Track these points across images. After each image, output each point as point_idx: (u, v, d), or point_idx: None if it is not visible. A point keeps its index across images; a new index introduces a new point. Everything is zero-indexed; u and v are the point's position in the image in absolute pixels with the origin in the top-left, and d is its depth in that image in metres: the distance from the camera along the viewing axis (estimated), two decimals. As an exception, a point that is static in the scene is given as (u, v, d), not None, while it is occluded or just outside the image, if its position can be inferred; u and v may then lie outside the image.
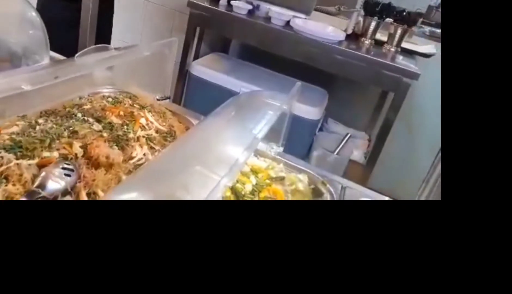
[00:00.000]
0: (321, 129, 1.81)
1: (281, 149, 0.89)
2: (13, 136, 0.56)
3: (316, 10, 1.77)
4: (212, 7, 1.65)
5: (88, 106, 0.78)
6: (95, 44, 1.04)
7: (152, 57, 0.88)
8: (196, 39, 1.73)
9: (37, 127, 0.62)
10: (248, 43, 1.80)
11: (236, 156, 0.50)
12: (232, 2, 1.63)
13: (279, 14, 1.57)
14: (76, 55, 0.65)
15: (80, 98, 0.83)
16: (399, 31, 1.74)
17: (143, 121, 0.79)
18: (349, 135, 1.68)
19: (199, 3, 1.65)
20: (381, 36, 1.81)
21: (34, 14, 0.95)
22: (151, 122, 0.80)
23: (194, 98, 1.66)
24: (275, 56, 1.88)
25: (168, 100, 0.93)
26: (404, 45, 1.74)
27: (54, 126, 0.63)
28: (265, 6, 1.63)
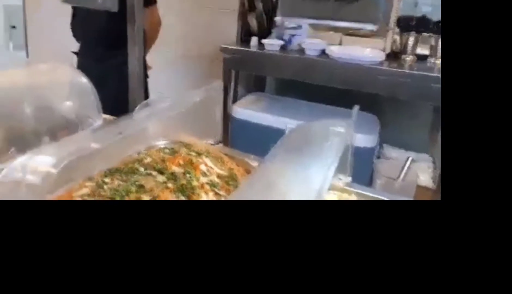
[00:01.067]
0: (378, 157, 1.74)
1: (349, 179, 0.84)
2: (85, 197, 0.56)
3: (348, 34, 1.77)
4: (244, 48, 1.70)
5: (148, 160, 0.78)
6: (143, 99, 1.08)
7: (200, 103, 0.89)
8: (232, 83, 1.77)
9: (105, 186, 0.62)
10: (284, 78, 1.82)
11: (312, 195, 0.46)
12: (263, 41, 1.68)
13: (313, 45, 1.58)
14: (135, 109, 0.66)
15: (138, 154, 0.84)
16: (440, 42, 1.69)
17: (203, 167, 0.78)
18: (410, 158, 1.59)
19: (231, 47, 1.71)
20: (421, 50, 1.76)
21: (84, 80, 1.01)
22: (211, 168, 0.78)
23: (240, 140, 1.67)
24: (314, 87, 1.88)
25: (221, 144, 0.93)
26: (449, 54, 1.68)
27: (121, 183, 0.63)
28: (297, 38, 1.66)
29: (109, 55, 1.40)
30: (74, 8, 1.43)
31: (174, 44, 2.00)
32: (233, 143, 1.71)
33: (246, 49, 1.70)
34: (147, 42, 1.53)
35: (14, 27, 3.23)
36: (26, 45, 2.64)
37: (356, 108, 0.82)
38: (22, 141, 0.87)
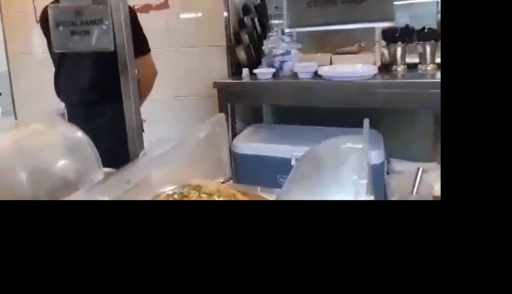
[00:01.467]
0: (387, 172, 1.70)
1: (372, 197, 0.79)
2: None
3: (336, 53, 1.79)
4: (236, 81, 1.70)
5: (157, 209, 0.73)
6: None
7: (205, 139, 0.85)
8: (229, 118, 1.76)
9: (118, 245, 0.56)
10: (281, 105, 1.81)
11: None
12: (255, 71, 1.68)
13: (304, 67, 1.59)
14: (140, 154, 0.63)
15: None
16: (428, 48, 1.70)
17: (218, 208, 0.73)
18: (421, 169, 1.55)
19: (224, 81, 1.71)
20: (410, 59, 1.78)
21: (80, 134, 0.98)
22: (227, 208, 0.74)
23: (244, 175, 1.63)
24: (311, 110, 1.87)
25: (231, 181, 0.89)
26: (438, 60, 1.70)
27: (135, 238, 0.58)
28: (288, 64, 1.66)
29: (99, 109, 1.38)
30: (59, 60, 1.42)
31: (165, 87, 2.00)
32: (238, 178, 1.67)
33: (239, 81, 1.70)
34: (142, 93, 1.51)
35: (0, 94, 3.25)
36: (14, 111, 2.63)
37: (366, 121, 0.79)
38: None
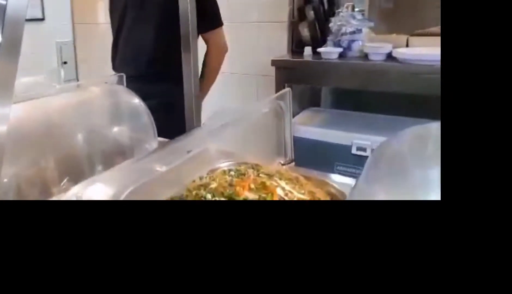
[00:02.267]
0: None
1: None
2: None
3: (414, 35, 1.62)
4: (298, 59, 1.61)
5: (214, 185, 0.68)
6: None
7: (266, 116, 0.78)
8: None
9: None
10: (345, 88, 1.69)
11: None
12: (319, 50, 1.57)
13: (377, 48, 1.45)
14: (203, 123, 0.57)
15: (201, 178, 0.74)
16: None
17: (279, 191, 0.66)
18: None
19: (284, 59, 1.62)
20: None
21: (138, 101, 0.96)
22: (290, 192, 0.66)
23: (299, 160, 1.54)
24: (374, 96, 1.73)
25: (293, 163, 0.81)
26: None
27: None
28: (357, 44, 1.53)
29: (157, 81, 1.34)
30: (116, 30, 1.39)
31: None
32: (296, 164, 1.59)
33: (301, 59, 1.60)
34: (211, 72, 1.44)
35: (65, 62, 3.44)
36: (77, 79, 2.76)
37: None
38: (75, 171, 0.81)
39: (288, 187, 0.68)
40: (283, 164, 0.78)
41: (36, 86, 1.08)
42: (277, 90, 1.65)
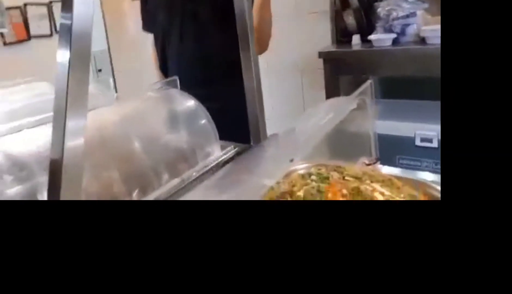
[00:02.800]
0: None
1: None
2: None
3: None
4: (348, 50, 1.51)
5: (298, 193, 0.61)
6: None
7: (351, 114, 0.70)
8: (333, 92, 1.58)
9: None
10: (401, 76, 1.57)
11: None
12: (370, 37, 1.47)
13: (436, 31, 1.33)
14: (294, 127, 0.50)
15: (278, 184, 0.67)
16: None
17: (379, 197, 0.58)
18: None
19: (332, 50, 1.53)
20: None
21: (195, 104, 0.91)
22: (391, 197, 0.58)
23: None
24: (427, 83, 1.60)
25: (378, 163, 0.73)
26: None
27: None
28: (411, 28, 1.42)
29: (215, 84, 1.29)
30: (163, 37, 1.35)
31: (261, 58, 1.89)
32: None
33: (351, 49, 1.51)
34: (260, 45, 1.27)
35: (100, 70, 3.50)
36: (115, 86, 2.77)
37: None
38: (142, 181, 0.76)
39: (387, 192, 0.60)
40: (368, 164, 0.70)
41: (90, 96, 1.05)
42: (326, 84, 1.56)
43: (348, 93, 1.89)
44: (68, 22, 0.45)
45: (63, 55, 0.45)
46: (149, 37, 1.47)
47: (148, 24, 1.40)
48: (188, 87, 1.18)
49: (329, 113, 0.55)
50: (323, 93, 1.57)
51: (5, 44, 2.87)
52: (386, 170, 0.76)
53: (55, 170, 0.43)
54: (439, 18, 1.48)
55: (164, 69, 1.39)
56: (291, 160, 0.43)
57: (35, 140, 0.67)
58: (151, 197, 0.70)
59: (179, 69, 1.32)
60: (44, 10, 3.00)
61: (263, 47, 1.28)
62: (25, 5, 2.96)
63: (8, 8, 2.87)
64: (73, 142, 0.45)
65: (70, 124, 0.45)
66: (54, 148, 0.44)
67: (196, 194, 0.47)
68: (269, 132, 0.82)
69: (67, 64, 0.45)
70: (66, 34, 0.45)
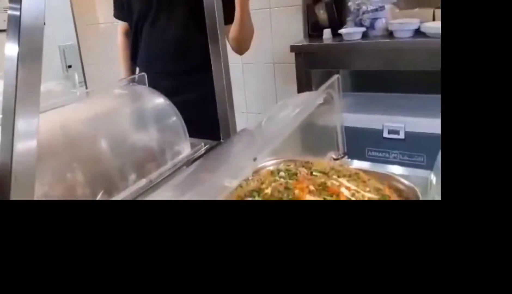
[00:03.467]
0: None
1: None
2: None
3: (440, 7, 1.51)
4: (320, 43, 1.51)
5: (269, 190, 0.60)
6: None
7: (318, 109, 0.70)
8: (305, 86, 1.58)
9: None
10: (367, 70, 1.59)
11: None
12: (341, 31, 1.47)
13: (403, 25, 1.35)
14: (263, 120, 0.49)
15: (246, 181, 0.66)
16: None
17: (345, 192, 0.58)
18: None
19: (304, 44, 1.52)
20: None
21: (164, 101, 0.88)
22: (356, 191, 0.58)
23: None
24: (400, 76, 1.63)
25: (345, 157, 0.73)
26: None
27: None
28: (380, 22, 1.43)
29: (185, 78, 1.26)
30: (136, 28, 1.31)
31: (232, 54, 1.87)
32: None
33: (323, 43, 1.51)
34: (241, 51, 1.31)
35: (70, 66, 3.36)
36: (85, 81, 2.67)
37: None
38: (108, 183, 0.74)
39: (353, 186, 0.60)
40: (335, 159, 0.70)
41: (51, 94, 1.00)
42: (298, 77, 1.56)
43: (319, 87, 1.89)
44: (17, 13, 0.41)
45: (11, 49, 0.42)
46: (119, 28, 1.42)
47: (120, 12, 1.36)
48: (157, 79, 1.15)
49: (295, 108, 0.54)
50: (295, 86, 1.57)
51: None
52: (355, 164, 0.76)
53: (4, 176, 0.40)
54: (407, 11, 1.50)
55: (135, 58, 1.36)
56: (255, 159, 0.42)
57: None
58: (116, 198, 0.68)
59: (148, 60, 1.29)
60: (6, 2, 2.85)
61: (243, 51, 1.28)
62: (-13, -3, 2.80)
63: (-32, 1, 2.71)
64: (23, 146, 0.41)
65: (20, 125, 0.41)
66: (3, 152, 0.41)
67: (158, 195, 0.45)
68: (243, 125, 0.81)
69: (16, 59, 0.42)
70: (14, 26, 0.41)
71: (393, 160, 1.33)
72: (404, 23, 1.35)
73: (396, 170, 0.72)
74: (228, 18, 1.21)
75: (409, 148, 1.31)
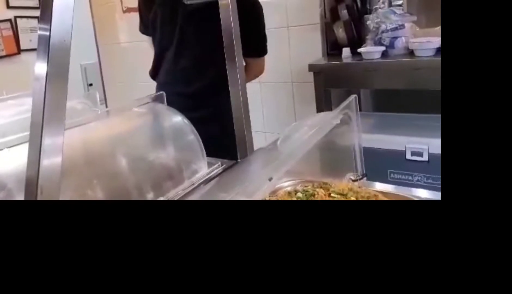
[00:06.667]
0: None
1: None
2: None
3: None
4: (337, 62, 1.53)
5: (285, 211, 0.61)
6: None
7: (335, 129, 0.71)
8: (325, 105, 1.59)
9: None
10: (388, 89, 1.60)
11: None
12: (360, 50, 1.49)
13: (424, 44, 1.35)
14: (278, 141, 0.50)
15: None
16: None
17: (363, 214, 0.58)
18: None
19: (322, 63, 1.54)
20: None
21: (183, 120, 0.91)
22: (375, 213, 0.58)
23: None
24: (420, 96, 1.62)
25: (365, 178, 0.73)
26: None
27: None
28: (402, 40, 1.44)
29: (203, 99, 1.31)
30: (160, 47, 1.36)
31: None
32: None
33: (341, 62, 1.52)
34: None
35: (91, 84, 3.49)
36: (105, 100, 2.77)
37: None
38: (126, 200, 0.76)
39: (372, 208, 0.60)
40: (354, 180, 0.70)
41: (73, 112, 1.05)
42: (317, 97, 1.57)
43: (337, 106, 1.90)
44: (46, 33, 0.43)
45: (40, 69, 0.44)
46: (141, 48, 1.46)
47: (146, 29, 1.43)
48: (177, 100, 1.19)
49: (311, 128, 0.56)
50: (314, 106, 1.59)
51: (-6, 57, 2.87)
52: (377, 186, 0.76)
53: (31, 190, 0.43)
54: (427, 30, 1.51)
55: (155, 77, 1.41)
56: (270, 179, 0.43)
57: (16, 159, 0.67)
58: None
59: (169, 82, 1.34)
60: (34, 23, 3.01)
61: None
62: (16, 18, 2.98)
63: (-2, 21, 2.89)
64: (49, 161, 0.44)
65: (47, 141, 0.44)
66: (30, 168, 0.44)
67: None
68: (261, 145, 0.83)
69: (44, 78, 0.44)
70: (44, 46, 0.44)
71: (417, 183, 1.31)
72: (425, 42, 1.36)
73: (420, 193, 0.72)
74: (253, 53, 1.26)
75: (433, 170, 1.29)
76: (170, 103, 0.96)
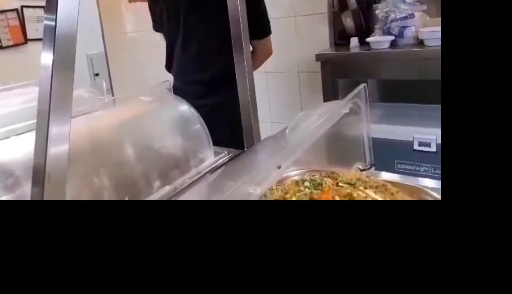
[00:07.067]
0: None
1: None
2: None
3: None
4: (346, 52, 1.51)
5: (293, 200, 0.61)
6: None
7: (344, 118, 0.70)
8: (331, 95, 1.58)
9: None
10: (397, 79, 1.57)
11: None
12: (368, 39, 1.47)
13: (434, 33, 1.33)
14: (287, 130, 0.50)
15: (271, 190, 0.67)
16: None
17: (372, 204, 0.57)
18: None
19: (329, 53, 1.52)
20: None
21: (190, 110, 0.90)
22: (384, 203, 0.57)
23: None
24: (429, 86, 1.60)
25: (373, 168, 0.72)
26: None
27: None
28: (411, 29, 1.42)
29: (213, 89, 1.31)
30: (171, 38, 1.38)
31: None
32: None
33: (349, 52, 1.50)
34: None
35: (97, 74, 3.49)
36: (112, 90, 2.77)
37: None
38: (133, 189, 0.76)
39: (380, 198, 0.59)
40: (362, 170, 0.69)
41: (80, 100, 1.05)
42: (324, 87, 1.55)
43: (344, 96, 1.89)
44: (52, 23, 0.43)
45: (46, 58, 0.44)
46: (148, 38, 1.46)
47: (157, 24, 1.46)
48: (188, 89, 1.19)
49: (320, 117, 0.55)
50: (321, 96, 1.57)
51: (1, 47, 2.88)
52: (384, 176, 0.75)
53: (38, 177, 0.43)
54: (438, 19, 1.48)
55: (169, 68, 1.44)
56: (279, 167, 0.42)
57: (23, 147, 0.67)
58: (141, 204, 0.70)
59: (180, 71, 1.36)
60: (41, 12, 3.01)
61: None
62: (22, 7, 2.97)
63: (4, 11, 2.89)
64: (56, 148, 0.44)
65: (54, 129, 0.44)
66: (37, 155, 0.43)
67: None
68: (267, 134, 0.82)
69: (50, 67, 0.44)
70: (50, 35, 0.44)
71: (424, 173, 1.30)
72: (435, 31, 1.33)
73: (427, 183, 0.71)
74: (257, 34, 1.26)
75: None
76: (183, 92, 0.96)
